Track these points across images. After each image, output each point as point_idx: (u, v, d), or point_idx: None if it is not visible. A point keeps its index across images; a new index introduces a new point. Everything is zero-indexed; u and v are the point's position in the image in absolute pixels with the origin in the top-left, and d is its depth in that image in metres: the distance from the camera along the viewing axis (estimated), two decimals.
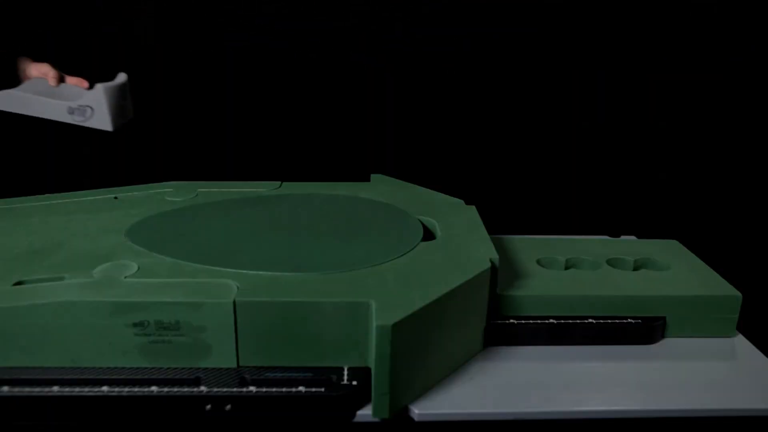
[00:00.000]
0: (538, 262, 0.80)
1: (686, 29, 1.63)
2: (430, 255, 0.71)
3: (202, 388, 0.59)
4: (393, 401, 0.59)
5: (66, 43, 1.56)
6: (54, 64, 1.13)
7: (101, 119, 1.00)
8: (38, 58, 1.17)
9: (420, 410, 0.61)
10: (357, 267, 0.67)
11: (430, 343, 0.62)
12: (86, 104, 1.00)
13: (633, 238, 0.97)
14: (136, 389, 0.59)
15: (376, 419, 0.60)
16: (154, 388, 0.59)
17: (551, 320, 0.71)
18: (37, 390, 0.59)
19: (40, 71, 1.20)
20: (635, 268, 0.81)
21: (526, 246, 0.85)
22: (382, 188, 0.95)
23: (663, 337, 0.73)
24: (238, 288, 0.62)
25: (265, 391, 0.59)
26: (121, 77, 1.05)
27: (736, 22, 1.64)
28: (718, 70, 1.69)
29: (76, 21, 1.56)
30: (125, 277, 0.64)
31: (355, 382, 0.61)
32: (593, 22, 1.16)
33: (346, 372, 0.62)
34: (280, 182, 0.96)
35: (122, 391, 0.59)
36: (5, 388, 0.59)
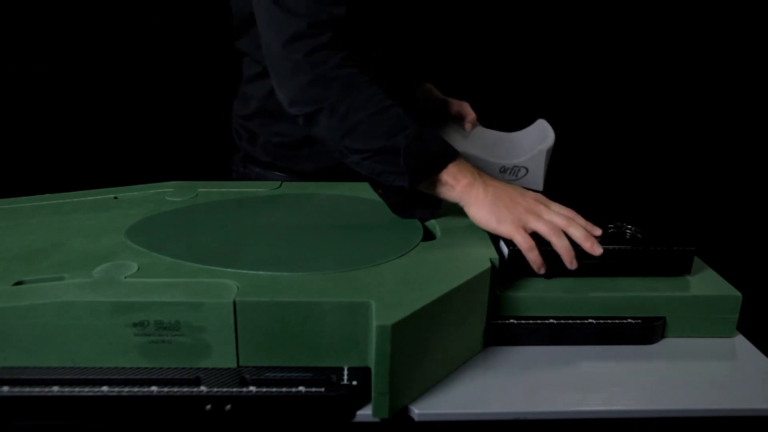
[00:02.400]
0: None
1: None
2: (430, 255, 0.71)
3: (202, 388, 0.59)
4: (393, 401, 0.59)
5: (66, 43, 1.56)
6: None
7: (533, 180, 0.95)
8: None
9: (420, 410, 0.61)
10: (357, 267, 0.67)
11: (430, 343, 0.62)
12: (522, 165, 0.94)
13: None
14: (136, 389, 0.59)
15: (376, 419, 0.60)
16: (154, 388, 0.59)
17: (551, 320, 0.72)
18: (36, 390, 0.59)
19: (458, 110, 1.11)
20: None
21: None
22: None
23: (663, 337, 0.73)
24: (238, 288, 0.62)
25: (265, 391, 0.59)
26: (551, 135, 0.97)
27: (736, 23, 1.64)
28: (718, 69, 1.69)
29: (77, 21, 1.56)
30: (125, 277, 0.64)
31: (354, 382, 0.61)
32: (593, 21, 1.16)
33: (345, 372, 0.62)
34: (280, 182, 0.96)
35: (122, 391, 0.59)
36: (5, 388, 0.59)
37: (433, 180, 0.78)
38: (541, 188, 0.93)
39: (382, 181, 0.80)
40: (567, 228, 0.74)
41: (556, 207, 0.77)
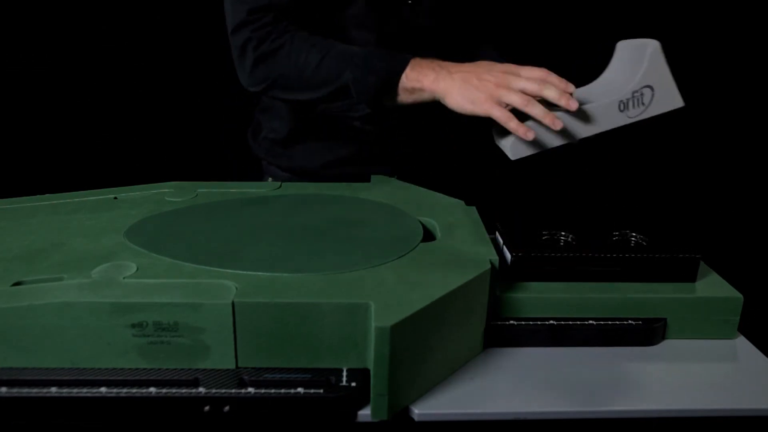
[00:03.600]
0: None
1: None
2: (429, 256, 0.71)
3: (201, 389, 0.59)
4: (392, 403, 0.59)
5: (65, 43, 1.56)
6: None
7: (667, 95, 0.77)
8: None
9: (420, 410, 0.61)
10: (356, 268, 0.67)
11: (430, 344, 0.62)
12: (646, 84, 0.76)
13: None
14: (134, 390, 0.59)
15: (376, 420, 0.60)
16: (152, 389, 0.59)
17: (551, 321, 0.71)
18: (35, 391, 0.58)
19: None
20: None
21: None
22: (382, 189, 0.94)
23: (664, 338, 0.73)
24: (236, 289, 0.62)
25: (264, 392, 0.59)
26: (651, 41, 0.78)
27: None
28: (717, 74, 1.69)
29: (77, 21, 1.56)
30: (124, 278, 0.64)
31: (354, 384, 0.60)
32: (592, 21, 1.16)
33: (345, 373, 0.62)
34: (280, 182, 0.96)
35: (120, 392, 0.59)
36: (3, 389, 0.59)
37: (399, 92, 0.82)
38: (681, 102, 0.77)
39: (355, 114, 0.85)
40: (540, 92, 0.73)
41: (527, 72, 0.77)
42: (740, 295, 0.73)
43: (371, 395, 0.59)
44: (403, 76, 0.82)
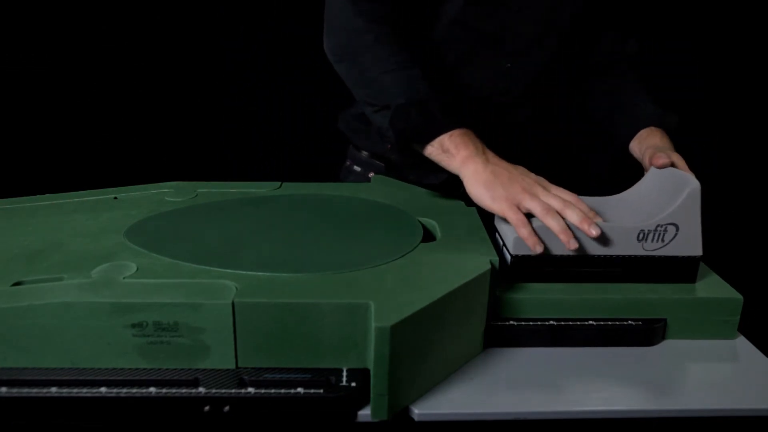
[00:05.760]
0: None
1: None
2: (429, 256, 0.71)
3: (201, 389, 0.59)
4: (392, 403, 0.59)
5: (65, 44, 1.56)
6: None
7: (689, 240, 0.73)
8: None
9: (420, 410, 0.61)
10: (356, 268, 0.67)
11: (430, 344, 0.62)
12: (673, 222, 0.72)
13: None
14: (134, 390, 0.59)
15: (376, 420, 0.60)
16: (152, 389, 0.59)
17: (551, 322, 0.71)
18: (35, 391, 0.58)
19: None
20: None
21: None
22: (382, 189, 0.94)
23: (664, 338, 0.73)
24: (236, 289, 0.62)
25: (264, 393, 0.59)
26: (691, 178, 0.74)
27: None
28: (716, 74, 1.69)
29: (77, 21, 1.56)
30: (124, 278, 0.64)
31: (354, 384, 0.60)
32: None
33: (345, 373, 0.62)
34: (280, 182, 0.96)
35: (120, 392, 0.59)
36: (3, 389, 0.59)
37: (434, 146, 0.79)
38: (700, 251, 0.74)
39: (386, 136, 0.82)
40: (563, 210, 0.71)
41: (556, 190, 0.75)
42: (740, 296, 0.73)
43: (371, 395, 0.59)
44: (447, 133, 0.80)
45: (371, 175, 1.07)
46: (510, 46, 0.91)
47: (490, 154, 0.78)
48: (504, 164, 0.77)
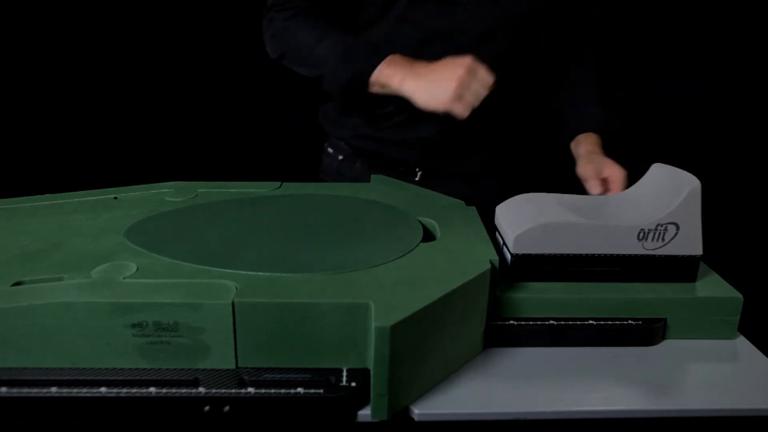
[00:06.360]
0: None
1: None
2: (429, 256, 0.71)
3: (201, 389, 0.59)
4: (392, 403, 0.59)
5: (65, 44, 1.56)
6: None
7: (690, 239, 0.73)
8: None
9: (420, 410, 0.61)
10: (356, 268, 0.67)
11: (430, 344, 0.62)
12: (673, 221, 0.72)
13: None
14: (134, 390, 0.59)
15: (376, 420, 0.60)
16: (152, 389, 0.59)
17: (551, 321, 0.71)
18: (35, 391, 0.58)
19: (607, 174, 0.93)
20: None
21: None
22: (382, 189, 0.94)
23: (664, 338, 0.73)
24: (236, 289, 0.62)
25: (264, 393, 0.59)
26: (691, 177, 0.74)
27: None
28: (715, 74, 1.69)
29: (77, 21, 1.56)
30: (124, 278, 0.64)
31: (354, 384, 0.60)
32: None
33: (345, 373, 0.62)
34: (280, 182, 0.96)
35: (120, 392, 0.59)
36: (3, 389, 0.58)
37: (374, 86, 0.93)
38: (700, 250, 0.74)
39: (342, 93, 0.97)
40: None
41: (479, 79, 0.85)
42: (740, 295, 0.73)
43: (371, 395, 0.59)
44: (376, 71, 0.91)
45: (340, 158, 1.13)
46: (458, 41, 0.95)
47: (419, 66, 0.89)
48: (432, 68, 0.87)
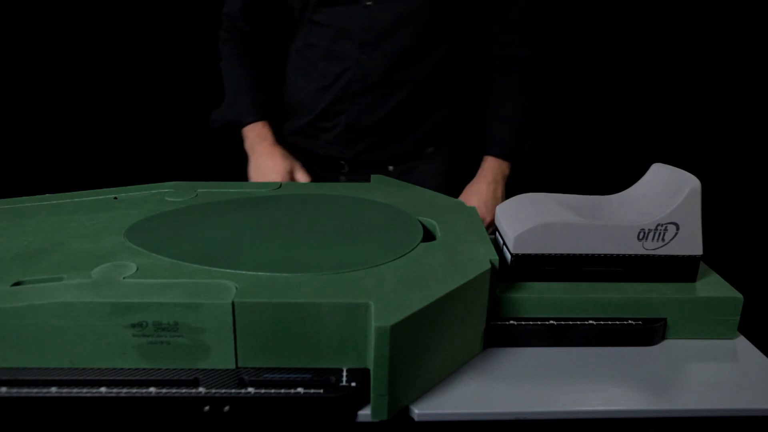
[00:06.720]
0: None
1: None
2: (429, 256, 0.71)
3: (201, 389, 0.59)
4: (392, 403, 0.59)
5: (65, 44, 1.56)
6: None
7: (690, 239, 0.73)
8: None
9: (420, 410, 0.61)
10: (356, 268, 0.67)
11: (430, 344, 0.62)
12: (673, 221, 0.72)
13: None
14: (134, 390, 0.59)
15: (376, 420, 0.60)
16: (152, 389, 0.59)
17: (551, 321, 0.71)
18: (35, 391, 0.58)
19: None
20: None
21: None
22: (381, 189, 0.94)
23: (664, 338, 0.73)
24: (236, 289, 0.62)
25: (264, 393, 0.59)
26: (691, 177, 0.74)
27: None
28: (716, 71, 1.69)
29: (77, 21, 1.56)
30: (124, 278, 0.64)
31: (353, 384, 0.60)
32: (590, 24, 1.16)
33: (345, 373, 0.62)
34: (280, 182, 0.96)
35: (120, 392, 0.59)
36: (3, 389, 0.59)
37: (245, 138, 1.13)
38: (700, 250, 0.74)
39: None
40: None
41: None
42: (740, 295, 0.73)
43: (371, 395, 0.59)
44: (245, 131, 1.14)
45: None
46: (362, 38, 1.05)
47: (255, 148, 1.10)
48: (260, 153, 1.09)
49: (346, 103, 1.09)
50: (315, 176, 1.11)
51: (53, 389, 0.59)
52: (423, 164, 1.18)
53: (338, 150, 1.15)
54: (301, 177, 1.06)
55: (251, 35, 1.17)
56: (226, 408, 0.58)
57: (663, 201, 0.74)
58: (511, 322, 0.71)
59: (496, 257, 0.70)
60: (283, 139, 1.17)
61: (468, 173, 1.17)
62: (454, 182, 1.17)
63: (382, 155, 1.14)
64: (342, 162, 1.16)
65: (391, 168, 1.16)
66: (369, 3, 1.02)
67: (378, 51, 1.04)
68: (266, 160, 1.07)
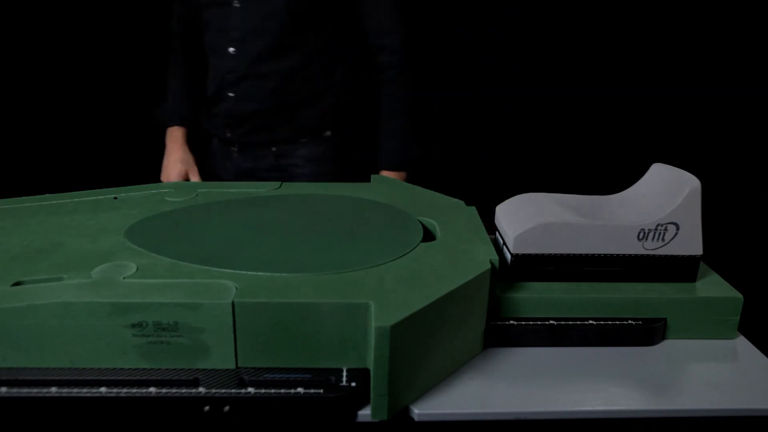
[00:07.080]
0: None
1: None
2: (430, 256, 0.71)
3: (201, 389, 0.59)
4: (392, 403, 0.59)
5: (64, 44, 1.56)
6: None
7: (690, 239, 0.73)
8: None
9: (420, 410, 0.61)
10: (356, 268, 0.67)
11: (430, 344, 0.62)
12: (673, 221, 0.72)
13: None
14: (134, 390, 0.59)
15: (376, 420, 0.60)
16: (152, 389, 0.59)
17: (551, 321, 0.71)
18: (35, 391, 0.58)
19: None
20: None
21: None
22: (382, 189, 0.94)
23: (664, 338, 0.73)
24: (236, 289, 0.62)
25: (264, 393, 0.59)
26: (691, 177, 0.74)
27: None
28: (717, 76, 1.69)
29: (77, 21, 1.56)
30: (124, 278, 0.64)
31: (353, 384, 0.60)
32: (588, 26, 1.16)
33: (345, 373, 0.62)
34: (280, 182, 0.96)
35: (120, 392, 0.59)
36: (3, 389, 0.59)
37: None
38: (700, 250, 0.74)
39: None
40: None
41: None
42: (740, 295, 0.73)
43: (371, 395, 0.59)
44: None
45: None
46: (231, 36, 1.21)
47: (168, 145, 1.32)
48: (167, 153, 1.32)
49: (225, 92, 1.25)
50: (214, 155, 1.35)
51: (53, 389, 0.59)
52: (306, 147, 1.28)
53: (225, 132, 1.31)
54: (193, 178, 1.30)
55: (186, 39, 1.33)
56: (226, 408, 0.58)
57: (663, 201, 0.74)
58: (511, 322, 0.71)
59: (496, 257, 0.70)
60: (202, 125, 1.38)
61: (355, 157, 1.31)
62: (343, 167, 1.30)
63: (263, 138, 1.28)
64: (233, 142, 1.32)
65: (274, 149, 1.28)
66: (237, 5, 1.19)
67: (246, 45, 1.20)
68: (167, 161, 1.31)
